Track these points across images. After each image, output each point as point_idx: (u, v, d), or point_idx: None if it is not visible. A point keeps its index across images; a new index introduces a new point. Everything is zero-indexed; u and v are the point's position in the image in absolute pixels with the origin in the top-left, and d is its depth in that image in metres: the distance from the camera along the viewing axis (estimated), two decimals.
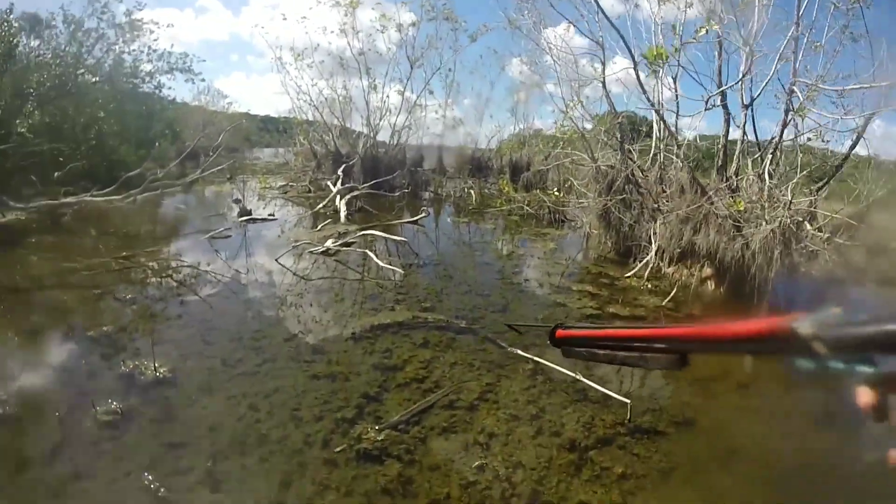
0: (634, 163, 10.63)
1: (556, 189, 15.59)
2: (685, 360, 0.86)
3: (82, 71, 17.32)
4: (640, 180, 10.33)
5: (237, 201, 14.14)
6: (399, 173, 17.81)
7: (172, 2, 74.87)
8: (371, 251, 8.45)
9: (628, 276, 8.76)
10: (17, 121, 13.87)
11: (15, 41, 14.79)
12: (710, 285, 8.48)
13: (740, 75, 9.50)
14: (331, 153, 18.42)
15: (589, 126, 12.26)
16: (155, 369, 4.40)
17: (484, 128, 20.92)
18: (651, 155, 11.21)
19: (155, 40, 19.57)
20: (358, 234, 9.71)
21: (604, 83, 10.86)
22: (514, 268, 9.09)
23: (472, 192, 17.54)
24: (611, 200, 10.23)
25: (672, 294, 7.88)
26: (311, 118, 20.18)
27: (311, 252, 8.54)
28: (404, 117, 18.96)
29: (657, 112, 10.40)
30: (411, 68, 18.38)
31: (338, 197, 13.57)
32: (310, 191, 16.93)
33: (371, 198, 15.05)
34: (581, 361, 4.51)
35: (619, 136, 10.86)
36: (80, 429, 3.60)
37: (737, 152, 9.72)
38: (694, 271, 8.68)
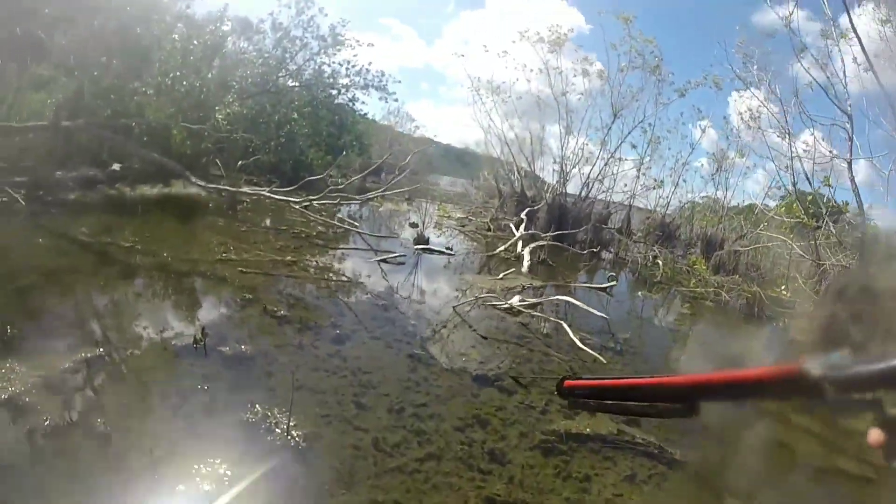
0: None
1: (763, 281, 13.99)
2: (695, 408, 0.85)
3: (283, 74, 17.85)
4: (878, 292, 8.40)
5: (414, 225, 13.55)
6: (585, 228, 16.62)
7: (371, 26, 78.24)
8: (566, 323, 7.28)
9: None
10: (217, 108, 14.48)
11: (225, 37, 15.45)
12: None
13: None
14: (515, 194, 17.55)
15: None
16: (287, 430, 3.46)
17: (678, 193, 19.05)
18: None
19: (355, 55, 19.95)
20: (549, 296, 8.61)
21: (850, 164, 9.44)
22: None
23: (658, 261, 16.05)
24: (840, 310, 8.41)
25: None
26: (497, 154, 19.36)
27: (493, 305, 7.57)
28: (599, 168, 17.77)
29: None
30: (614, 117, 17.27)
31: (520, 242, 12.64)
32: (489, 229, 16.06)
33: (553, 249, 13.88)
34: None
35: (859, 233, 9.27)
36: None
37: None
38: None
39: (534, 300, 8.01)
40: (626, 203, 19.04)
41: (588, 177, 17.57)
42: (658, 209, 19.71)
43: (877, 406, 0.67)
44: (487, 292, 8.16)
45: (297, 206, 10.65)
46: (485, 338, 6.28)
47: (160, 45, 12.85)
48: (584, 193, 17.61)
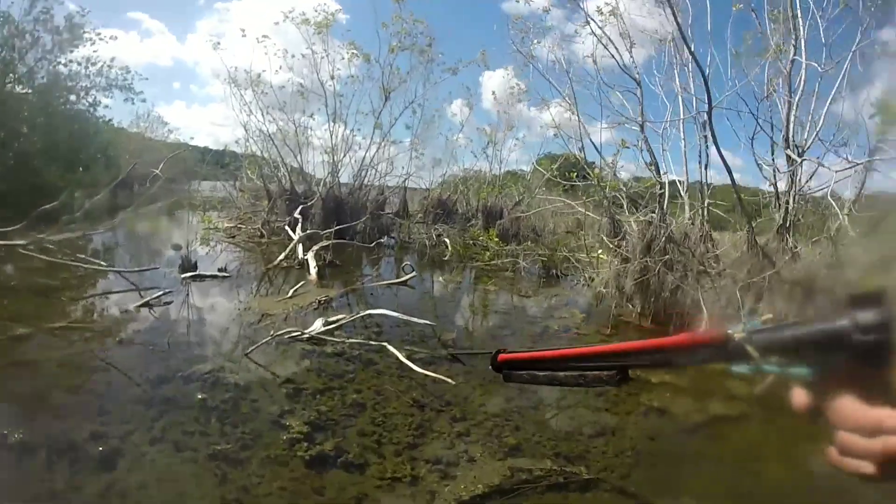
0: (674, 219, 9.51)
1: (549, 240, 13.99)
2: (625, 376, 0.86)
3: (10, 79, 14.82)
4: (680, 239, 9.09)
5: (177, 247, 11.71)
6: (364, 218, 15.55)
7: (117, 22, 71.20)
8: (386, 340, 6.20)
9: None
10: None
11: None
12: None
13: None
14: (285, 192, 16.04)
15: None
16: None
17: (452, 168, 18.69)
18: (686, 211, 10.04)
19: (95, 51, 17.20)
20: (357, 313, 7.28)
21: (642, 126, 9.64)
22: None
23: (445, 240, 15.46)
24: (652, 261, 8.83)
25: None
26: (259, 152, 17.73)
27: (292, 337, 6.21)
28: (371, 154, 16.76)
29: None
30: (384, 100, 16.32)
31: (300, 246, 11.32)
32: (262, 235, 14.45)
33: (336, 247, 12.62)
34: None
35: (659, 189, 9.70)
36: None
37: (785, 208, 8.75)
38: None
39: (339, 318, 6.82)
40: (401, 186, 18.24)
41: (362, 163, 16.49)
42: (434, 187, 19.20)
43: (801, 367, 0.70)
44: (283, 320, 6.90)
45: (27, 251, 8.45)
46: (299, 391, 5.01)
47: None
48: (357, 182, 16.48)
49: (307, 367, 5.60)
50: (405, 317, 6.97)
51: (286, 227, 13.51)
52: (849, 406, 0.66)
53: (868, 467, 0.65)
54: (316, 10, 16.12)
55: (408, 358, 5.76)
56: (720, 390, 6.04)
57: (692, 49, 9.08)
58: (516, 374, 1.00)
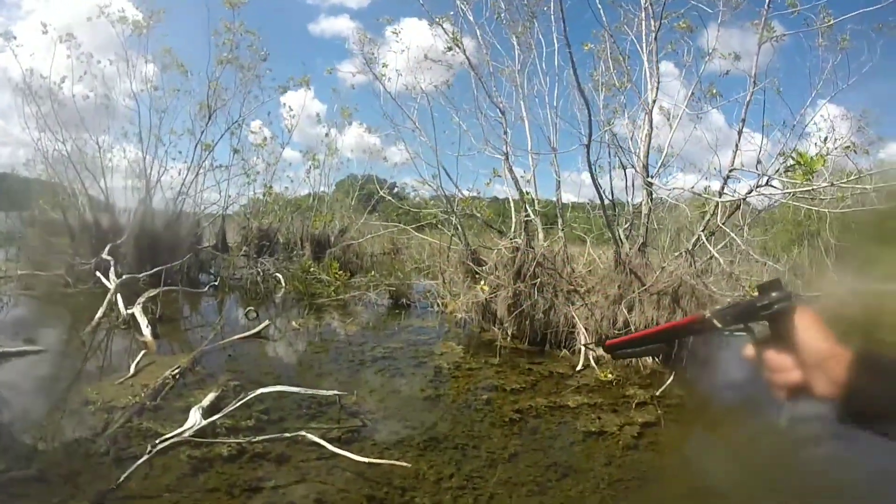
0: (541, 243, 10.16)
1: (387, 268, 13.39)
2: (672, 347, 1.35)
3: None
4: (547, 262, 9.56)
5: None
6: (190, 255, 13.80)
7: None
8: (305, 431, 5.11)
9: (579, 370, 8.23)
10: None
11: None
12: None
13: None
14: (88, 227, 13.90)
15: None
16: None
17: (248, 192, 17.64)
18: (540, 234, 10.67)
19: None
20: (243, 395, 5.73)
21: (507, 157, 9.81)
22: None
23: (278, 276, 14.16)
24: (524, 286, 9.21)
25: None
26: (52, 177, 15.06)
27: (167, 441, 4.93)
28: (191, 178, 14.98)
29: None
30: (209, 117, 14.69)
31: (119, 298, 9.68)
32: (67, 283, 12.21)
33: (163, 294, 11.08)
34: None
35: (526, 211, 10.45)
36: None
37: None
38: None
39: (210, 399, 5.66)
40: (219, 215, 16.62)
41: (180, 189, 14.68)
42: (240, 214, 17.87)
43: (750, 331, 1.07)
44: (138, 415, 5.54)
45: None
46: None
47: None
48: (174, 212, 14.61)
49: (209, 485, 4.46)
50: (310, 390, 5.94)
51: (97, 273, 11.64)
52: (769, 354, 1.02)
53: (782, 392, 1.01)
54: (137, 8, 14.27)
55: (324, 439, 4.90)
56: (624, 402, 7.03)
57: (581, 87, 9.46)
58: (617, 353, 1.36)
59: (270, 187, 17.48)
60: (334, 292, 12.66)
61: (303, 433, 5.07)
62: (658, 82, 10.04)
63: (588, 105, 9.02)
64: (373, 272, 14.10)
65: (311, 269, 14.23)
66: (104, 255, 12.27)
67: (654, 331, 1.30)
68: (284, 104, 17.57)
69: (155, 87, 14.59)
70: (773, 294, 0.99)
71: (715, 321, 1.07)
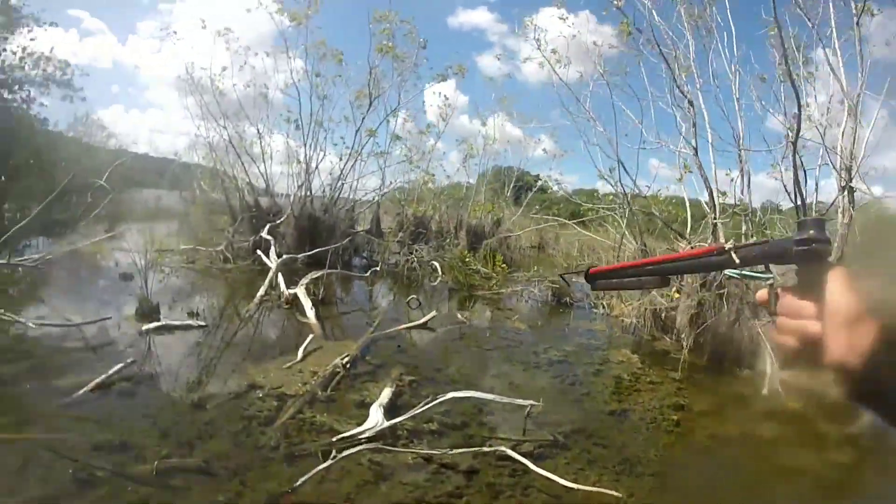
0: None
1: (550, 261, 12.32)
2: (666, 281, 1.15)
3: None
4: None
5: (127, 277, 9.43)
6: (349, 239, 13.47)
7: (55, 18, 66.47)
8: (507, 446, 4.30)
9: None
10: None
11: None
12: None
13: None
14: (250, 208, 13.82)
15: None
16: None
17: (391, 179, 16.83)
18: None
19: (32, 39, 14.69)
20: (430, 398, 4.86)
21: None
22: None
23: (435, 264, 13.45)
24: (710, 294, 8.35)
25: None
26: (214, 162, 15.59)
27: (350, 442, 4.21)
28: (349, 164, 14.58)
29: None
30: (370, 105, 14.26)
31: (279, 277, 9.25)
32: (226, 259, 12.05)
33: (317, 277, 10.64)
34: None
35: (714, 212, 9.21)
36: None
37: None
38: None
39: (388, 398, 4.88)
40: (374, 201, 16.15)
41: (340, 175, 14.33)
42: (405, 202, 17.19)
43: (770, 273, 0.92)
44: (309, 405, 4.90)
45: None
46: None
47: None
48: (332, 197, 14.31)
49: (393, 497, 3.74)
50: (503, 398, 5.06)
51: (259, 252, 11.36)
52: (787, 298, 0.89)
53: (791, 341, 0.87)
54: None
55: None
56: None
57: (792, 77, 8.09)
58: (599, 283, 1.26)
59: (432, 175, 16.87)
60: (496, 285, 11.78)
61: (502, 448, 4.26)
62: (865, 72, 8.56)
63: (798, 97, 7.80)
64: (536, 267, 13.13)
65: (468, 260, 13.44)
66: (264, 235, 12.00)
67: (653, 261, 1.14)
68: (439, 93, 16.57)
69: (317, 73, 14.33)
70: (813, 232, 0.84)
71: (734, 256, 0.93)
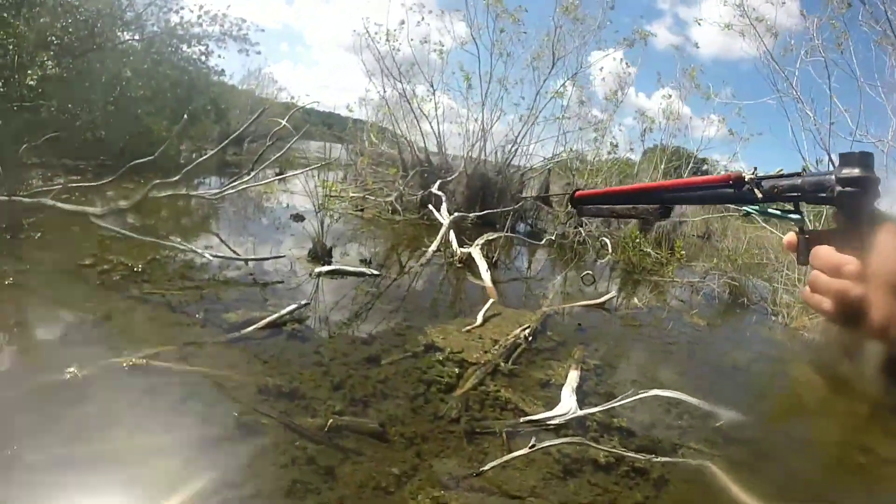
0: None
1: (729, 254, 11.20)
2: (666, 212, 1.02)
3: (119, 24, 13.02)
4: None
5: (298, 218, 9.39)
6: (523, 202, 13.02)
7: None
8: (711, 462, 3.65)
9: None
10: (29, 72, 10.50)
11: None
12: None
13: None
14: (420, 163, 13.60)
15: None
16: None
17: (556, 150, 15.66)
18: None
19: None
20: (628, 394, 4.09)
21: None
22: None
23: (605, 241, 12.66)
24: None
25: None
26: (382, 117, 15.99)
27: (534, 424, 3.74)
28: (523, 129, 13.99)
29: None
30: (552, 66, 13.58)
31: (452, 234, 8.88)
32: (394, 210, 11.93)
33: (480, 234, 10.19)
34: None
35: None
36: None
37: None
38: None
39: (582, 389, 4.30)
40: (545, 167, 15.45)
41: (517, 139, 13.79)
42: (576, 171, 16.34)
43: (799, 213, 0.82)
44: (490, 377, 4.43)
45: (105, 223, 6.18)
46: None
47: None
48: (506, 160, 13.80)
49: (581, 497, 3.21)
50: (708, 406, 4.37)
51: (430, 207, 11.07)
52: (823, 249, 0.75)
53: (827, 304, 0.74)
54: None
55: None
56: None
57: None
58: (587, 209, 1.15)
59: (615, 145, 16.04)
60: (671, 272, 10.89)
61: (708, 464, 3.65)
62: None
63: None
64: (715, 259, 12.10)
65: (638, 240, 12.59)
66: (434, 190, 11.70)
67: (651, 187, 1.01)
68: (620, 59, 15.46)
69: (501, 28, 13.77)
70: (859, 169, 0.71)
71: (755, 189, 0.80)
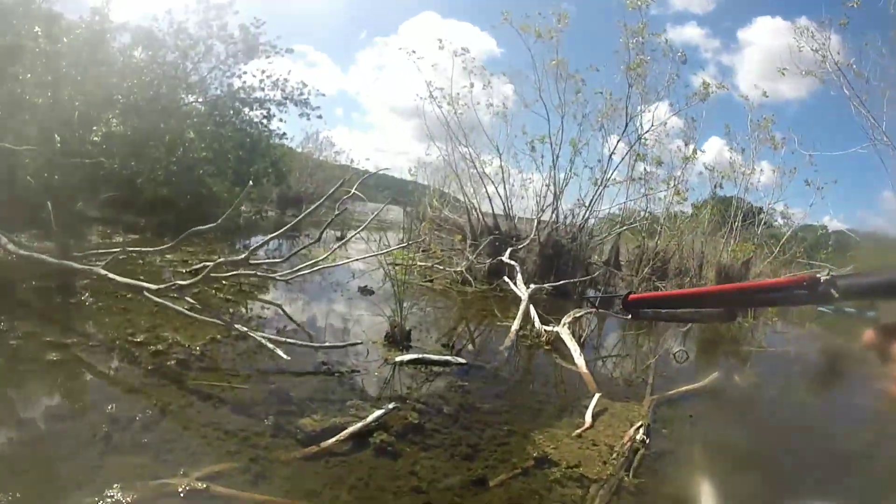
0: None
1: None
2: (733, 315, 1.02)
3: (183, 86, 13.24)
4: None
5: (367, 292, 8.95)
6: (599, 271, 12.44)
7: (285, 55, 75.47)
8: None
9: None
10: (94, 127, 10.67)
11: (104, 34, 11.71)
12: None
13: None
14: (489, 229, 13.11)
15: None
16: None
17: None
18: None
19: (270, 63, 16.04)
20: None
21: None
22: None
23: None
24: None
25: None
26: (442, 180, 16.19)
27: None
28: (601, 188, 13.42)
29: None
30: (626, 123, 13.09)
31: (532, 309, 8.29)
32: (464, 282, 11.26)
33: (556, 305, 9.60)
34: None
35: None
36: None
37: None
38: None
39: None
40: (616, 232, 14.82)
41: (590, 204, 13.23)
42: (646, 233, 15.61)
43: (877, 310, 0.78)
44: (615, 493, 3.80)
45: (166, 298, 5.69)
46: None
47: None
48: (578, 224, 13.21)
49: None
50: None
51: (506, 279, 10.51)
52: None
53: None
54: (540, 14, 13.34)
55: None
56: None
57: None
58: (643, 312, 1.13)
59: (684, 198, 15.35)
60: (762, 340, 10.10)
61: None
62: None
63: None
64: (807, 323, 11.26)
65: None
66: (505, 259, 11.18)
67: (716, 290, 1.05)
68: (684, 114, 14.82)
69: (578, 89, 13.52)
70: None
71: (831, 289, 0.78)
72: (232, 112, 15.63)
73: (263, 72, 15.92)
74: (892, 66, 9.21)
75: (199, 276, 5.76)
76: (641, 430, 4.75)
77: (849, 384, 8.71)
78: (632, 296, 1.16)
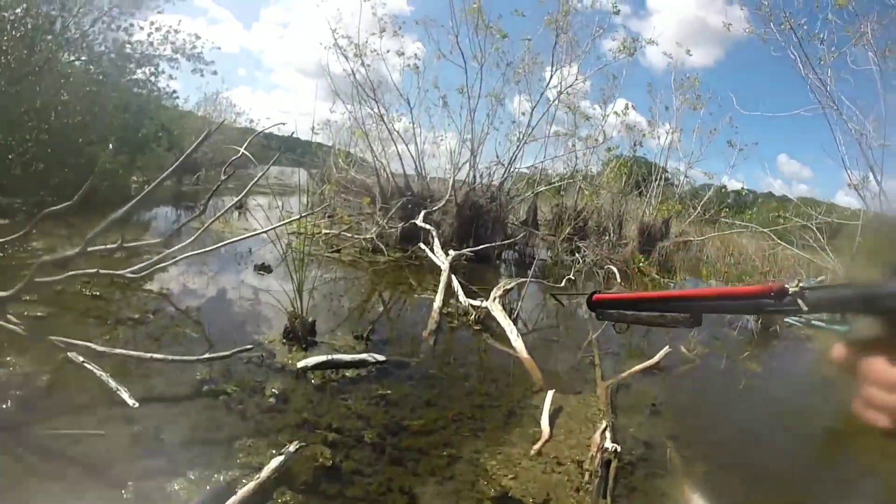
0: None
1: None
2: (698, 320, 0.92)
3: (62, 43, 11.80)
4: None
5: (264, 269, 7.71)
6: (524, 234, 11.62)
7: (184, 9, 71.09)
8: None
9: None
10: None
11: None
12: None
13: None
14: (400, 190, 12.01)
15: None
16: None
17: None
18: None
19: (159, 12, 14.16)
20: None
21: None
22: None
23: (613, 269, 11.20)
24: None
25: None
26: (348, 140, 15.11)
27: None
28: (523, 144, 12.65)
29: None
30: (551, 74, 12.25)
31: (455, 280, 7.31)
32: (374, 250, 10.18)
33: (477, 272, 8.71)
34: None
35: None
36: None
37: None
38: None
39: None
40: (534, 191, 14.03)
41: (510, 160, 12.36)
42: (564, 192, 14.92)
43: (847, 324, 0.74)
44: None
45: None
46: None
47: None
48: (498, 184, 12.30)
49: None
50: None
51: (422, 245, 9.47)
52: (877, 363, 0.68)
53: (884, 420, 0.68)
54: None
55: None
56: None
57: None
58: (607, 313, 1.06)
59: (617, 155, 14.79)
60: None
61: None
62: None
63: None
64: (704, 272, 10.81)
65: (642, 265, 11.25)
66: (419, 222, 10.15)
67: (681, 295, 0.96)
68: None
69: (504, 34, 12.72)
70: None
71: (800, 301, 0.73)
72: (116, 70, 13.52)
73: (153, 23, 14.05)
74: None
75: (14, 290, 4.23)
76: (608, 435, 3.81)
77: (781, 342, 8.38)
78: (596, 296, 1.07)
